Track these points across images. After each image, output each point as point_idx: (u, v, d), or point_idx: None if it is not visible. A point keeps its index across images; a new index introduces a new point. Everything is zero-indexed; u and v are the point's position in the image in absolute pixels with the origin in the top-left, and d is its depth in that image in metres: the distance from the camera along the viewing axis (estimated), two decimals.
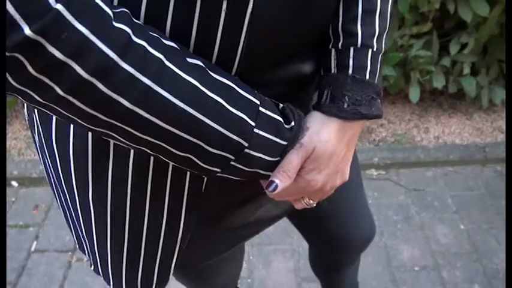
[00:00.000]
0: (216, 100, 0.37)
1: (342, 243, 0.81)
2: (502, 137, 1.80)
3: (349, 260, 0.90)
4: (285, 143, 0.43)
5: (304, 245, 1.42)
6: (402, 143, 1.79)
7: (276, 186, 0.44)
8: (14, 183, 1.67)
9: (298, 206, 0.51)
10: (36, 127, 0.49)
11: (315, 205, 0.51)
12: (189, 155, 0.39)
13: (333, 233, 0.79)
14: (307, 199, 0.50)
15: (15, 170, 1.68)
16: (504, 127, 1.83)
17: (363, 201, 0.80)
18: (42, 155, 0.51)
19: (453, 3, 1.60)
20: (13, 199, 1.61)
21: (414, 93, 1.76)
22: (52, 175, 0.51)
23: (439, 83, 1.74)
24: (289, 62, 0.45)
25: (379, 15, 0.46)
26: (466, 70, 1.73)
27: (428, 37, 1.72)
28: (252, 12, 0.37)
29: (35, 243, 1.47)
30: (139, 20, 0.35)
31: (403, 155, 1.71)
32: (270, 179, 0.44)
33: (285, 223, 0.79)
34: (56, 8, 0.28)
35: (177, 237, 0.51)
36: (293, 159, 0.44)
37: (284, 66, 0.45)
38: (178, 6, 0.35)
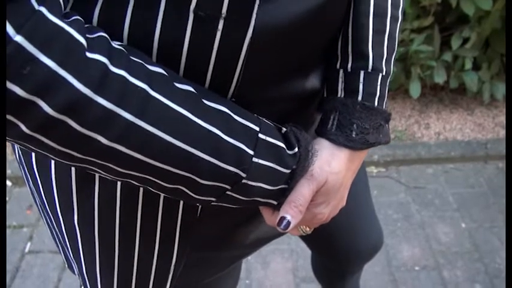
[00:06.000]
0: (210, 130, 0.34)
1: (349, 254, 0.78)
2: (503, 133, 1.77)
3: (355, 269, 0.87)
4: (287, 171, 0.40)
5: (303, 245, 1.40)
6: (402, 139, 1.76)
7: (289, 222, 0.41)
8: (8, 183, 1.64)
9: (294, 233, 0.48)
10: (15, 145, 0.46)
11: (310, 232, 0.48)
12: (180, 187, 0.36)
13: (340, 244, 0.76)
14: (304, 226, 0.47)
15: (8, 169, 1.65)
16: None
17: (370, 209, 0.77)
18: (23, 174, 0.48)
19: None
20: (6, 199, 1.59)
21: (415, 89, 1.73)
22: (34, 195, 0.48)
23: (440, 78, 1.71)
24: (291, 78, 0.42)
25: (388, 36, 0.43)
26: (468, 65, 1.69)
27: (429, 31, 1.68)
28: (253, 33, 0.33)
29: (29, 244, 1.44)
30: (122, 35, 0.32)
31: (403, 152, 1.68)
32: (281, 214, 0.41)
33: None
34: (15, 41, 0.25)
35: (171, 263, 0.48)
36: (305, 193, 0.41)
37: (286, 82, 0.41)
38: (168, 22, 0.32)
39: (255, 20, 0.33)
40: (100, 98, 0.28)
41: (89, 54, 0.28)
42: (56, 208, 0.45)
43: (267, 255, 1.39)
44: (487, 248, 1.38)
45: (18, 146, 0.44)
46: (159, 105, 0.31)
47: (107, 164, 0.32)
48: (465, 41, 1.68)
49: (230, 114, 0.36)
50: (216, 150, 0.34)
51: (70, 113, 0.28)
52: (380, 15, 0.43)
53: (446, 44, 1.73)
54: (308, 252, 1.09)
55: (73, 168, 0.40)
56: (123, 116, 0.29)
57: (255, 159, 0.37)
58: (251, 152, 0.36)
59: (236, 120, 0.36)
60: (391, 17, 0.43)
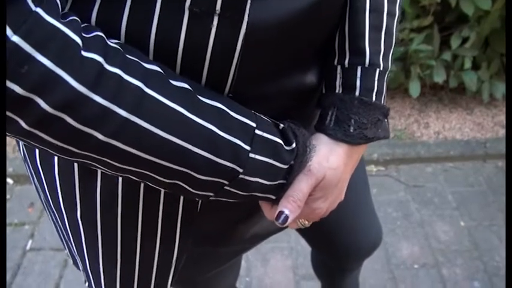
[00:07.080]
0: (205, 126, 0.34)
1: (349, 251, 0.79)
2: (503, 132, 1.78)
3: (355, 266, 0.88)
4: (284, 166, 0.40)
5: (303, 243, 1.40)
6: (402, 138, 1.76)
7: (286, 217, 0.42)
8: (9, 181, 1.65)
9: (293, 226, 0.49)
10: (19, 142, 0.47)
11: (309, 225, 0.49)
12: (177, 182, 0.36)
13: (340, 242, 0.77)
14: (302, 220, 0.47)
15: (9, 167, 1.66)
16: (505, 122, 1.81)
17: (369, 207, 0.78)
18: (28, 171, 0.49)
19: None
20: (8, 197, 1.60)
21: (414, 88, 1.74)
22: (39, 191, 0.49)
23: (439, 77, 1.72)
24: (289, 74, 0.42)
25: (385, 31, 0.44)
26: (467, 64, 1.70)
27: (429, 31, 1.69)
28: (247, 29, 0.34)
29: (30, 241, 1.45)
30: (120, 33, 0.33)
31: (402, 150, 1.69)
32: (279, 209, 0.42)
33: None
34: (13, 41, 0.26)
35: (172, 257, 0.49)
36: (303, 188, 0.42)
37: (283, 79, 0.42)
38: (164, 20, 0.32)
39: (248, 16, 0.33)
40: (95, 96, 0.29)
41: (84, 53, 0.29)
42: (60, 204, 0.45)
43: (266, 253, 1.39)
44: (486, 246, 1.39)
45: (23, 143, 0.45)
46: (153, 102, 0.32)
47: (104, 159, 0.33)
48: (464, 40, 1.69)
49: (226, 111, 0.36)
50: (212, 146, 0.35)
51: (66, 109, 0.29)
52: (376, 10, 0.43)
53: (445, 43, 1.73)
54: (308, 250, 1.10)
55: (75, 165, 0.41)
56: (118, 112, 0.30)
57: (251, 155, 0.37)
58: (248, 148, 0.37)
59: (232, 116, 0.37)
60: (387, 13, 0.44)
